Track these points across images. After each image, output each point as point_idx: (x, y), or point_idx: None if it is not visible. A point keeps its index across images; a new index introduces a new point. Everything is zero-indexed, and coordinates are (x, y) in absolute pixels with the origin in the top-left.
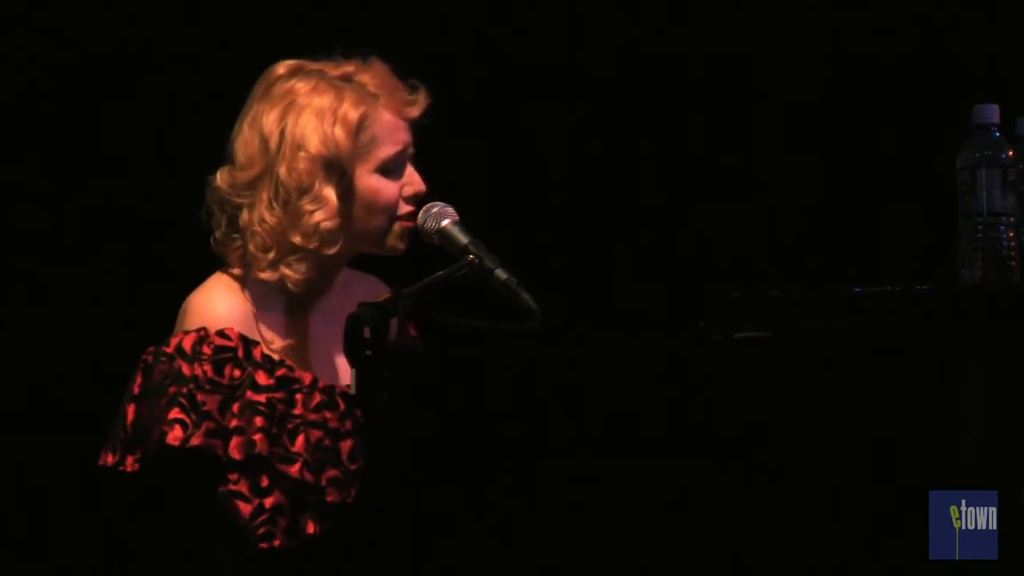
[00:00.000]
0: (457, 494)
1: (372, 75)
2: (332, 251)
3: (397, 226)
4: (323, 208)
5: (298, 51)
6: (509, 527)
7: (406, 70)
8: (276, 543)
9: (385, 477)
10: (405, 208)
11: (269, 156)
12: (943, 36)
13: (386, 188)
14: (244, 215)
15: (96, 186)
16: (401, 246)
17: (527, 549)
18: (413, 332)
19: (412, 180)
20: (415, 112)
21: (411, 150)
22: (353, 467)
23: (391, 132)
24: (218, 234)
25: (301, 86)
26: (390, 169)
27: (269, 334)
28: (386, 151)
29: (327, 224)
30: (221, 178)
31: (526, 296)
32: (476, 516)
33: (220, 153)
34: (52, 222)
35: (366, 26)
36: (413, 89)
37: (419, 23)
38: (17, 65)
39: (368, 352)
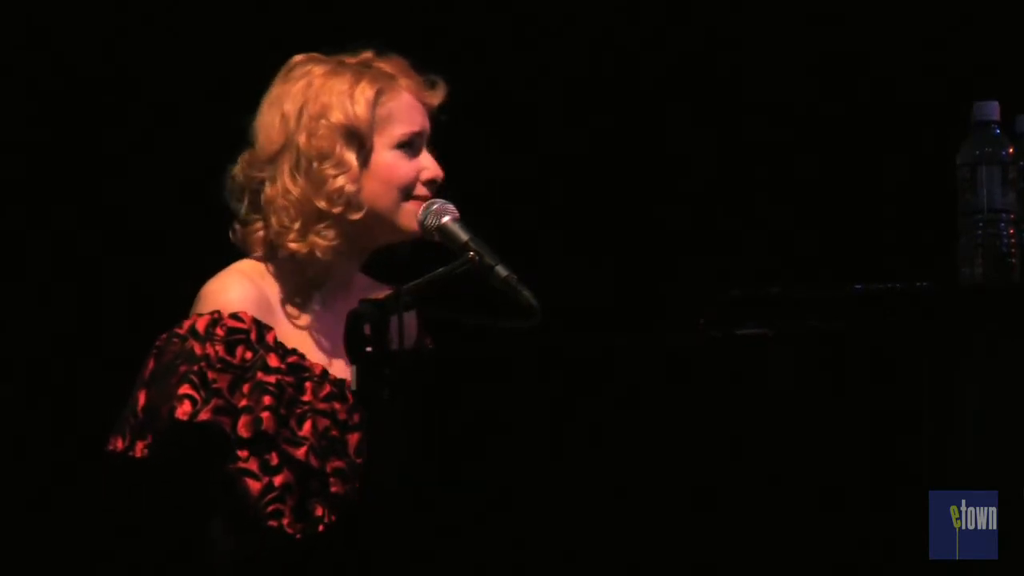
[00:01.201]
0: (456, 492)
1: (389, 62)
2: (357, 216)
3: (412, 204)
4: (345, 173)
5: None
6: (508, 526)
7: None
8: (285, 521)
9: (385, 475)
10: (421, 191)
11: (289, 130)
12: (943, 33)
13: (403, 165)
14: (267, 190)
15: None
16: (416, 226)
17: (525, 548)
18: (428, 343)
19: (430, 164)
20: (433, 99)
21: (428, 136)
22: (359, 461)
23: (408, 111)
24: (240, 217)
25: (319, 68)
26: (407, 148)
27: (283, 325)
28: (403, 128)
29: (350, 187)
30: (241, 161)
31: (526, 293)
32: (476, 515)
33: (219, 152)
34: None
35: (365, 26)
36: (431, 81)
37: (415, 22)
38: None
39: (368, 349)
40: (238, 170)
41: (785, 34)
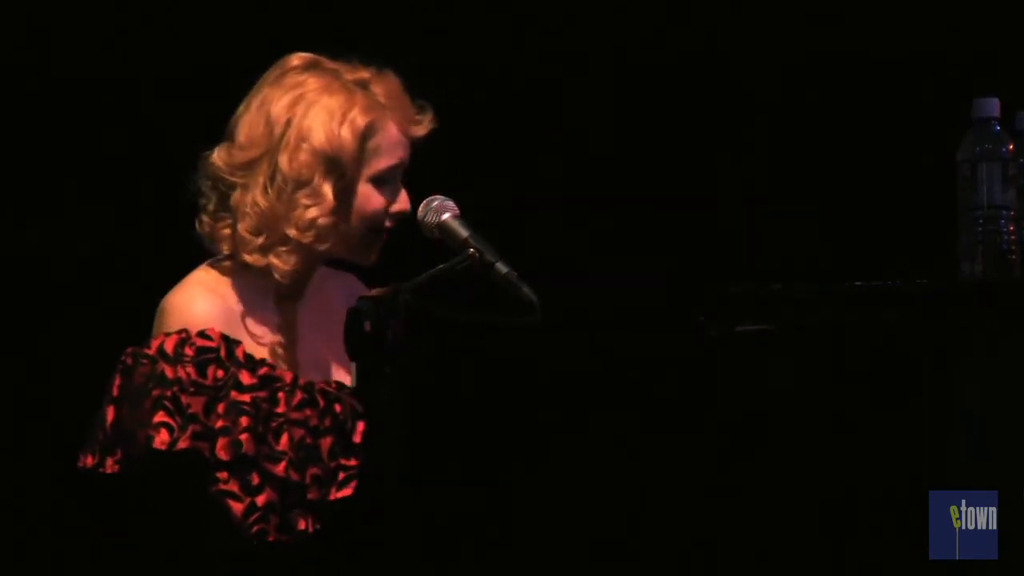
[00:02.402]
0: (456, 489)
1: (385, 86)
2: (324, 247)
3: (374, 237)
4: (319, 204)
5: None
6: (506, 522)
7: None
8: (270, 539)
9: (384, 472)
10: (387, 224)
11: (272, 141)
12: (943, 29)
13: (375, 199)
14: (237, 194)
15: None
16: (373, 258)
17: (524, 545)
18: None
19: (401, 199)
20: (419, 132)
21: (405, 167)
22: (332, 464)
23: (393, 146)
24: (207, 213)
25: (314, 81)
26: (383, 181)
27: (249, 332)
28: (384, 163)
29: (323, 220)
30: (218, 155)
31: (526, 290)
32: (474, 511)
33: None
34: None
35: (361, 24)
36: (420, 109)
37: (413, 20)
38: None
39: (369, 346)
40: (213, 162)
41: (785, 32)
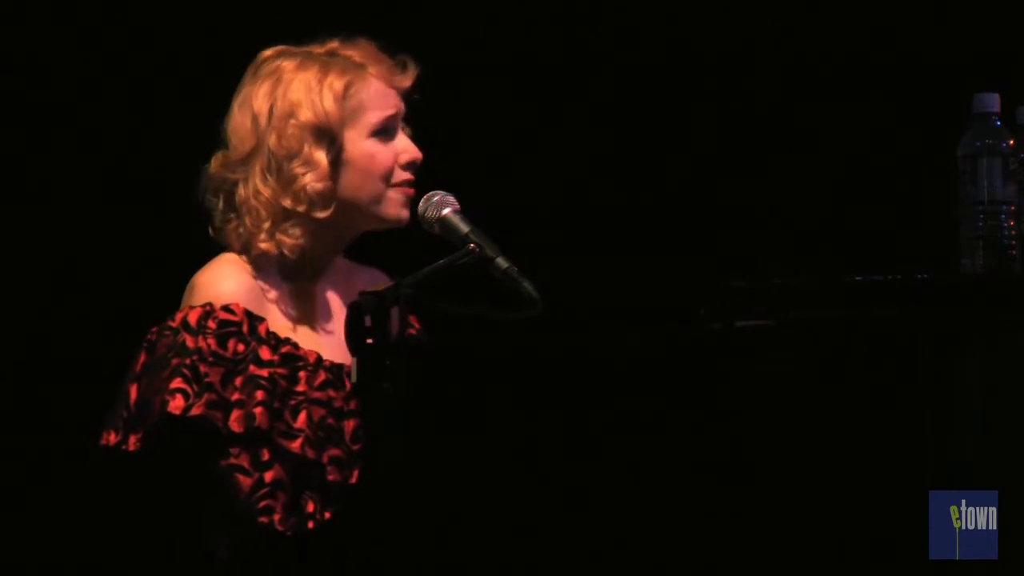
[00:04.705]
0: (454, 485)
1: (357, 49)
2: (324, 215)
3: (395, 192)
4: (313, 171)
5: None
6: (505, 520)
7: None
8: (276, 517)
9: (384, 466)
10: (402, 175)
11: (260, 131)
12: (944, 24)
13: (381, 152)
14: (240, 191)
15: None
16: (404, 214)
17: (523, 542)
18: (415, 323)
19: (407, 147)
20: (405, 82)
21: (404, 119)
22: (355, 447)
23: (380, 97)
24: (216, 217)
25: (287, 63)
26: (384, 133)
27: (276, 314)
28: (376, 116)
29: (316, 186)
30: (215, 162)
31: (527, 285)
32: (473, 508)
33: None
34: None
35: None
36: (402, 64)
37: (415, 18)
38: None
39: (369, 340)
40: (212, 170)
41: (785, 32)
